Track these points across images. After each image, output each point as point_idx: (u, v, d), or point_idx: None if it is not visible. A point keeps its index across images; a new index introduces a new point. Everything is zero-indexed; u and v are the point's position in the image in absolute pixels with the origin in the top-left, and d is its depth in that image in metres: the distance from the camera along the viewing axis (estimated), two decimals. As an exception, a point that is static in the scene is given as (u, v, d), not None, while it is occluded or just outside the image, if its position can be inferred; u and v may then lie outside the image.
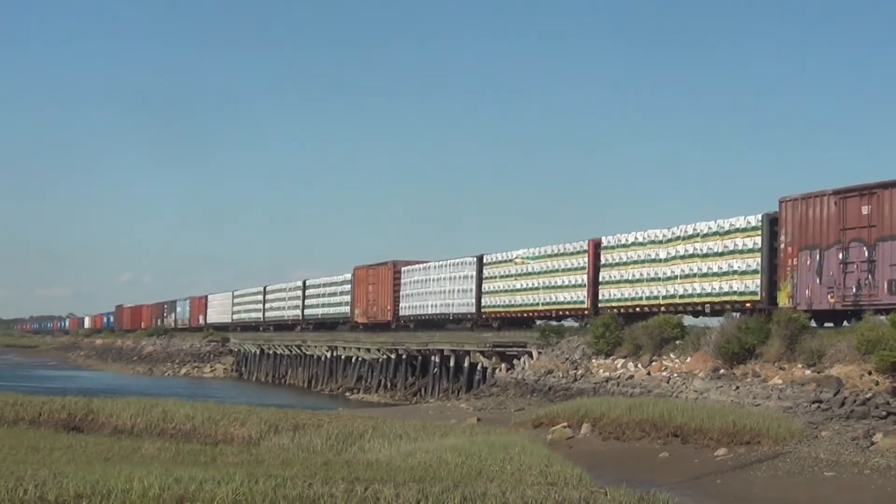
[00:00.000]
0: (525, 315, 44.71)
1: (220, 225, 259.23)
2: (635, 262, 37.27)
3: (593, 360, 36.28)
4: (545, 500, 13.07)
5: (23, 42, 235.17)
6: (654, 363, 33.23)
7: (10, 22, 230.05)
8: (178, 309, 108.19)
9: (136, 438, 22.12)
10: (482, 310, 48.26)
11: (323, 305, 71.85)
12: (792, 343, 28.19)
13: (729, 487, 19.73)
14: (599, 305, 38.93)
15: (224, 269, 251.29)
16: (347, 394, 56.35)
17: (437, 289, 52.92)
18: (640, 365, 33.64)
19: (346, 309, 66.70)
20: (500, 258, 47.18)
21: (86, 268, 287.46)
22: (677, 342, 33.35)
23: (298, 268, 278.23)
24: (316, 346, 66.29)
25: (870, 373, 24.87)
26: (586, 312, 39.97)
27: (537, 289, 43.45)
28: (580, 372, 35.92)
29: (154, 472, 13.40)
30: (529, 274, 44.20)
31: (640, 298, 36.80)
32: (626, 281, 37.62)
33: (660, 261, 35.99)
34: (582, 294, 40.41)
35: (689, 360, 31.92)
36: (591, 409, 27.71)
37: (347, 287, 66.69)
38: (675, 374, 31.51)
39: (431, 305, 53.63)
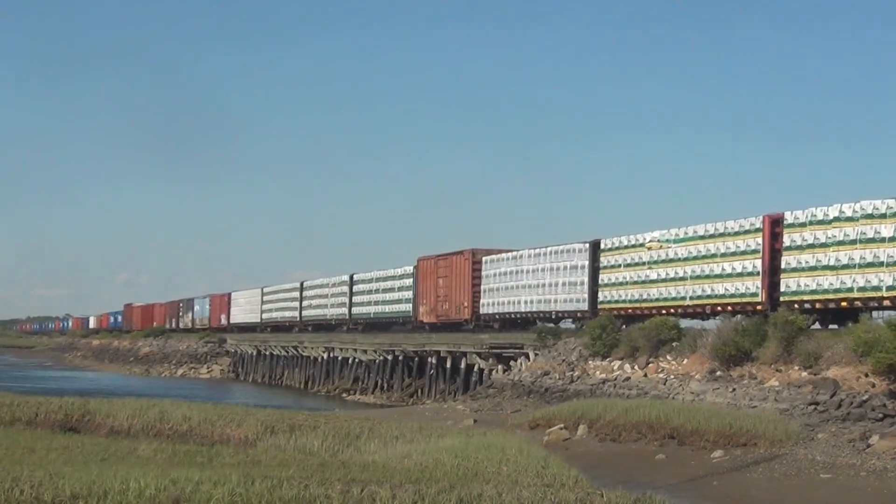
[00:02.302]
0: (664, 311, 36.44)
1: (219, 225, 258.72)
2: (839, 243, 29.42)
3: (590, 362, 36.30)
4: (541, 501, 13.09)
5: (22, 40, 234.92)
6: (650, 365, 33.27)
7: (12, 18, 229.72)
8: (196, 308, 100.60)
9: (133, 439, 22.11)
10: (599, 306, 39.92)
11: (376, 303, 62.88)
12: (788, 345, 28.23)
13: (725, 489, 19.77)
14: (781, 298, 31.31)
15: (223, 270, 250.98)
16: (344, 395, 56.32)
17: (532, 281, 44.44)
18: (636, 367, 33.68)
19: (407, 307, 58.05)
20: (624, 243, 39.00)
21: (83, 268, 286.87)
22: (674, 344, 33.38)
23: (297, 268, 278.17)
24: (312, 348, 66.29)
25: (866, 375, 24.92)
26: (759, 307, 32.29)
27: (683, 279, 35.44)
28: (577, 373, 35.94)
29: (150, 472, 13.41)
30: (671, 261, 36.19)
31: (850, 290, 29.12)
32: (827, 267, 29.74)
33: (881, 240, 28.32)
34: (753, 284, 32.60)
35: (685, 361, 31.96)
36: (588, 411, 27.76)
37: (409, 282, 57.96)
38: (672, 376, 31.54)
39: (525, 302, 45.02)
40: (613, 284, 39.21)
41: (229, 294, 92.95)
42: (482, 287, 49.17)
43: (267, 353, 74.63)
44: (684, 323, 35.86)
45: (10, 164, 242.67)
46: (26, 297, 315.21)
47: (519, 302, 45.59)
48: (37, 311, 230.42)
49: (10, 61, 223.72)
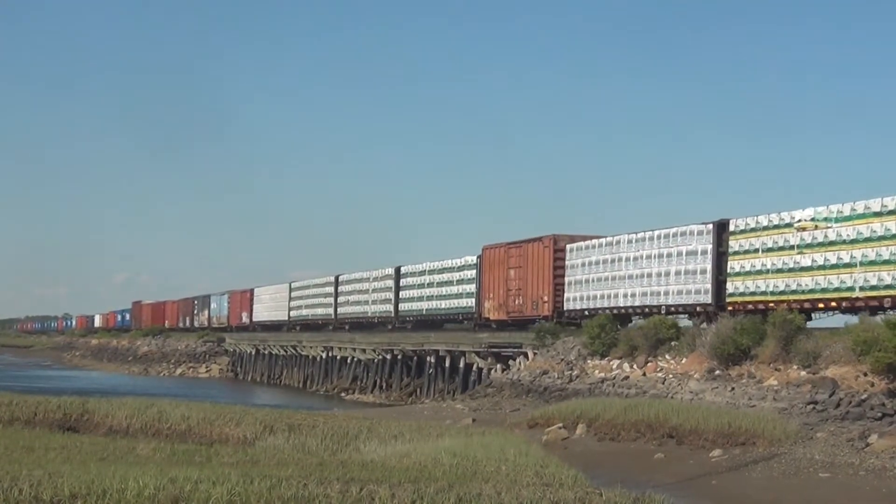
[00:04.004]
0: (822, 304, 30.55)
1: (218, 224, 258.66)
2: None
3: (588, 361, 36.33)
4: (540, 500, 13.09)
5: (22, 38, 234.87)
6: (649, 364, 33.30)
7: (10, 15, 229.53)
8: (213, 305, 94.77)
9: (132, 438, 22.12)
10: (728, 298, 33.43)
11: (429, 298, 55.53)
12: (787, 344, 28.27)
13: (724, 488, 19.78)
14: None
15: (221, 269, 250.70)
16: (343, 394, 56.35)
17: (634, 271, 38.06)
18: (635, 366, 33.71)
19: (469, 302, 50.77)
20: (763, 223, 32.29)
21: (81, 267, 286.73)
22: (672, 343, 33.39)
23: (296, 268, 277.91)
24: (311, 347, 66.34)
25: (865, 374, 24.94)
26: None
27: (850, 265, 29.38)
28: (575, 373, 35.96)
29: (149, 472, 13.40)
30: (832, 244, 29.97)
31: None
32: None
33: None
34: None
35: (684, 360, 31.98)
36: (587, 410, 27.77)
37: (471, 273, 50.61)
38: (671, 375, 31.56)
39: (624, 295, 38.59)
40: (748, 273, 32.68)
41: (251, 290, 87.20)
42: (566, 279, 42.43)
43: (266, 352, 74.68)
44: (840, 319, 30.66)
45: (8, 163, 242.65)
46: (24, 297, 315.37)
47: (616, 295, 39.13)
48: (35, 311, 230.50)
49: (7, 61, 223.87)
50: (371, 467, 17.37)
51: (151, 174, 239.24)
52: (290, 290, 77.95)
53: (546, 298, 43.79)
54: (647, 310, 37.43)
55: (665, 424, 24.90)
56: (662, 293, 36.60)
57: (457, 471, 17.26)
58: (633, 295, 38.15)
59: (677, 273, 35.82)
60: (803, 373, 26.94)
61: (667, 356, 33.04)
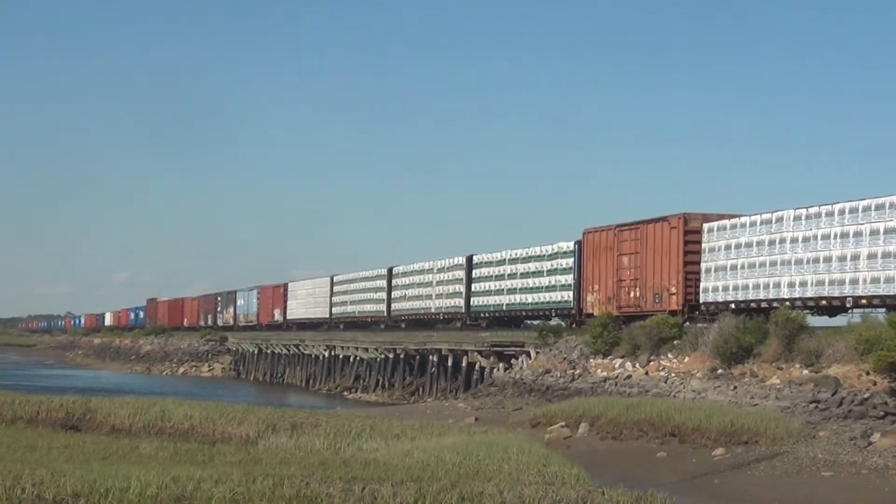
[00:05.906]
0: None
1: (218, 223, 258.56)
2: None
3: (591, 360, 36.32)
4: (542, 499, 13.12)
5: (23, 39, 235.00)
6: (651, 363, 33.28)
7: (12, 22, 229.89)
8: (240, 301, 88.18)
9: (134, 438, 22.17)
10: None
11: (511, 291, 47.11)
12: (790, 343, 28.25)
13: (726, 487, 19.78)
14: None
15: (222, 268, 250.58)
16: (345, 393, 56.39)
17: (805, 254, 30.33)
18: (637, 365, 33.69)
19: (565, 295, 42.80)
20: None
21: (81, 266, 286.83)
22: (675, 342, 33.37)
23: (295, 268, 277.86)
24: (314, 346, 66.36)
25: (868, 373, 24.93)
26: None
27: None
28: (578, 372, 35.96)
29: (152, 471, 13.43)
30: None
31: None
32: None
33: None
34: None
35: (686, 359, 31.96)
36: (589, 409, 27.78)
37: (567, 262, 42.96)
38: (673, 374, 31.55)
39: (790, 285, 30.89)
40: None
41: (285, 285, 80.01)
42: (703, 265, 34.82)
43: (268, 351, 74.67)
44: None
45: (9, 161, 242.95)
46: (25, 295, 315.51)
47: (778, 284, 31.49)
48: (36, 310, 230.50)
49: (6, 59, 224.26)
50: (374, 466, 17.40)
51: (151, 174, 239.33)
52: (332, 284, 70.61)
53: (674, 290, 36.45)
54: (824, 301, 30.14)
55: (667, 423, 24.91)
56: (849, 282, 28.91)
57: (459, 469, 17.28)
58: (802, 284, 30.62)
59: (871, 256, 28.08)
60: (806, 371, 26.93)
61: (669, 355, 33.03)
